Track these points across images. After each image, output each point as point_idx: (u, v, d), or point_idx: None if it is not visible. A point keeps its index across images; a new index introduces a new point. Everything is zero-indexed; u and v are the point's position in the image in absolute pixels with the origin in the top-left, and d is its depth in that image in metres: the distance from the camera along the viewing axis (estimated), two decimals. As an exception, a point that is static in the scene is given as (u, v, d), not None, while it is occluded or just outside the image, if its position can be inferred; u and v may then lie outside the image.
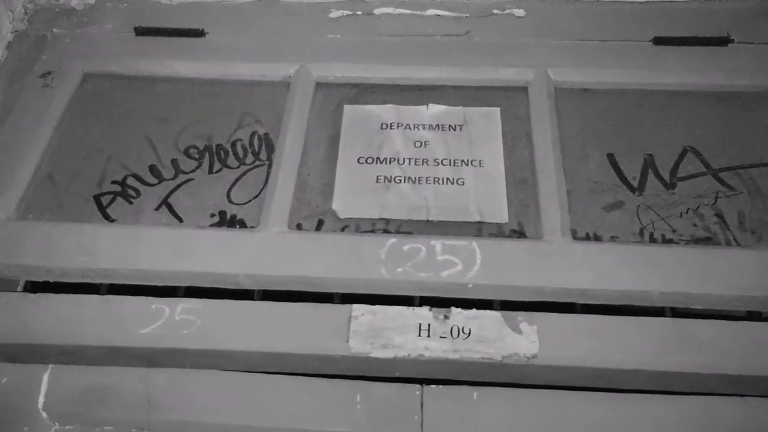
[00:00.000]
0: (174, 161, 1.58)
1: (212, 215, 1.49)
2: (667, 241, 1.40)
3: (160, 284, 1.40)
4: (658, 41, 1.70)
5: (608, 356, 1.29)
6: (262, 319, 1.35)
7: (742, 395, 1.34)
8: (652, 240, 1.40)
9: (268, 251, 1.39)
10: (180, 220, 1.48)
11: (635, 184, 1.48)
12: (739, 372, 1.27)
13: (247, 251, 1.40)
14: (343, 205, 1.49)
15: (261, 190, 1.51)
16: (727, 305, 1.32)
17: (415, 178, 1.52)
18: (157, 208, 1.50)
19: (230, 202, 1.50)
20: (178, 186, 1.53)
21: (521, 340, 1.31)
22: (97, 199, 1.53)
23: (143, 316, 1.35)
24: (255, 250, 1.40)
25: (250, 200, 1.50)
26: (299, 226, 1.46)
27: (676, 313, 1.36)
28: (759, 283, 1.30)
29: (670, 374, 1.28)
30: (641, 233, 1.41)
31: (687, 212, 1.43)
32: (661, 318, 1.33)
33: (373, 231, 1.45)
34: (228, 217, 1.48)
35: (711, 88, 1.63)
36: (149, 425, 1.34)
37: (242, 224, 1.47)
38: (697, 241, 1.40)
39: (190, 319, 1.35)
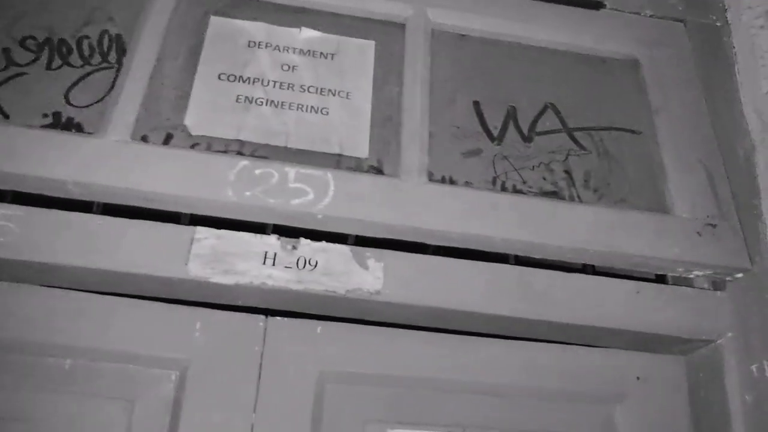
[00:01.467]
0: (6, 51, 1.40)
1: (45, 115, 1.34)
2: (517, 191, 1.44)
3: (-26, 185, 1.25)
4: (537, -4, 1.72)
5: (448, 297, 1.32)
6: (95, 234, 1.25)
7: (567, 343, 1.43)
8: (504, 189, 1.44)
9: (105, 160, 1.28)
10: (6, 116, 1.32)
11: (495, 133, 1.51)
12: (566, 321, 1.35)
13: (81, 158, 1.27)
14: (197, 121, 1.39)
15: (106, 95, 1.37)
16: (564, 257, 1.39)
17: (278, 102, 1.45)
18: (-21, 101, 1.33)
19: (68, 103, 1.35)
20: (9, 79, 1.36)
21: (367, 276, 1.30)
22: None
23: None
24: (89, 157, 1.27)
25: (92, 104, 1.36)
26: (144, 138, 1.35)
27: (520, 261, 1.42)
28: (595, 238, 1.37)
29: (503, 318, 1.34)
30: (494, 181, 1.44)
31: (539, 166, 1.47)
32: (502, 264, 1.38)
33: (225, 152, 1.37)
34: (64, 119, 1.34)
35: (579, 49, 1.67)
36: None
37: (79, 128, 1.33)
38: (544, 194, 1.45)
39: (9, 227, 1.22)
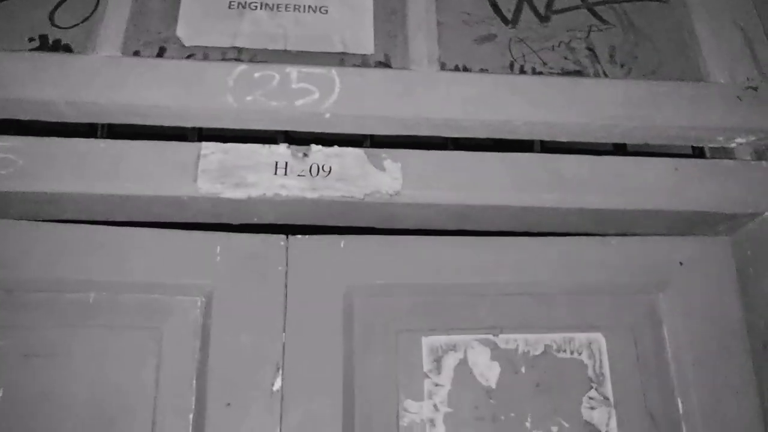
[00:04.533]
0: (-15, -23, 1.33)
1: (31, 39, 1.27)
2: (537, 74, 1.35)
3: (-34, 115, 1.20)
4: None
5: (472, 193, 1.25)
6: (97, 158, 1.20)
7: (603, 234, 1.36)
8: (522, 72, 1.34)
9: (96, 77, 1.22)
10: (-10, 43, 1.26)
11: (509, 16, 1.40)
12: (600, 206, 1.27)
13: (71, 77, 1.21)
14: (190, 31, 1.32)
15: (91, 13, 1.30)
16: (592, 136, 1.30)
17: (273, 4, 1.36)
18: (-40, 30, 1.27)
19: (53, 25, 1.29)
20: (-10, 6, 1.30)
21: (384, 178, 1.24)
22: None
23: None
24: (80, 75, 1.22)
25: (78, 24, 1.29)
26: (137, 53, 1.28)
27: (546, 148, 1.34)
28: (625, 113, 1.28)
29: (532, 210, 1.27)
30: (511, 66, 1.35)
31: (559, 45, 1.37)
32: (526, 153, 1.30)
33: (223, 60, 1.29)
34: (50, 42, 1.27)
35: None
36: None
37: (67, 49, 1.27)
38: (566, 73, 1.35)
39: (10, 158, 1.18)
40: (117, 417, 1.18)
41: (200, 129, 1.30)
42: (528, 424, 1.25)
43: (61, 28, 1.28)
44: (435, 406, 1.25)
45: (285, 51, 1.32)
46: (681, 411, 1.27)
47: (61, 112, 1.20)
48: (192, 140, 1.28)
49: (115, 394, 1.19)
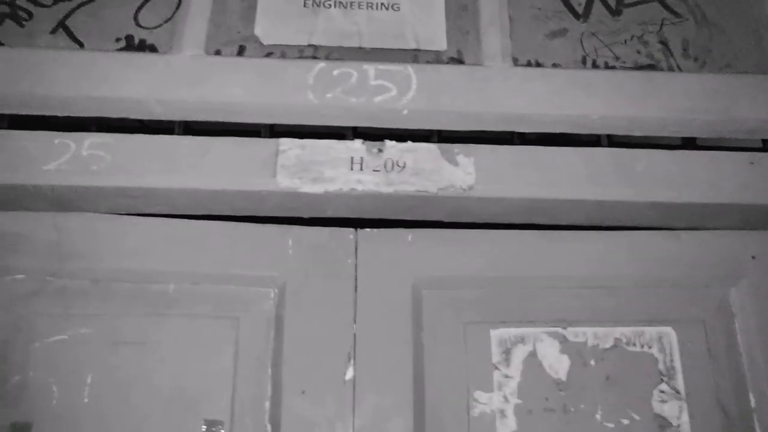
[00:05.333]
0: (71, -21, 1.39)
1: (118, 39, 1.33)
2: (609, 68, 1.35)
3: (61, 114, 1.26)
4: None
5: (544, 187, 1.27)
6: (181, 155, 1.25)
7: (674, 228, 1.36)
8: (595, 66, 1.35)
9: (183, 76, 1.27)
10: (81, 44, 1.32)
11: (580, 10, 1.40)
12: (673, 201, 1.28)
13: (160, 76, 1.26)
14: (267, 30, 1.35)
15: (174, 13, 1.35)
16: (665, 130, 1.30)
17: (346, 2, 1.39)
18: (52, 32, 1.32)
19: (138, 25, 1.34)
20: (77, 7, 1.35)
21: (457, 172, 1.26)
22: (-19, 21, 1.34)
23: (46, 151, 1.23)
24: (168, 75, 1.27)
25: (161, 24, 1.34)
26: (218, 52, 1.32)
27: (613, 143, 1.34)
28: (699, 107, 1.28)
29: (605, 204, 1.28)
30: (584, 61, 1.35)
31: (631, 39, 1.37)
32: (598, 148, 1.31)
33: (300, 58, 1.33)
34: (136, 41, 1.33)
35: None
36: (63, 272, 1.25)
37: (153, 49, 1.32)
38: (640, 67, 1.35)
39: (100, 155, 1.23)
40: (199, 403, 1.23)
41: (271, 125, 1.34)
42: (598, 417, 1.26)
43: (145, 28, 1.33)
44: (505, 397, 1.27)
45: (360, 48, 1.35)
46: (753, 405, 1.26)
47: (152, 110, 1.25)
48: (265, 136, 1.32)
49: (197, 380, 1.24)
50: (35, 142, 1.24)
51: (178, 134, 1.30)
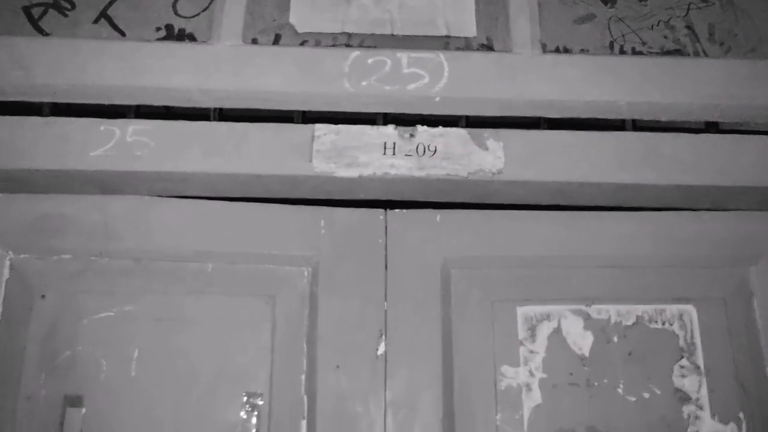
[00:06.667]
0: (111, -31, 1.42)
1: (158, 29, 1.36)
2: (636, 53, 1.37)
3: (106, 102, 1.31)
4: None
5: (571, 170, 1.30)
6: (220, 140, 1.30)
7: (697, 209, 1.39)
8: (622, 52, 1.37)
9: (223, 65, 1.30)
10: (122, 33, 1.36)
11: (607, -5, 1.42)
12: (695, 182, 1.31)
13: (201, 65, 1.30)
14: (302, 18, 1.38)
15: (210, 3, 1.38)
16: (691, 115, 1.33)
17: (377, -10, 1.42)
18: (95, 21, 1.36)
19: (177, 14, 1.37)
20: (118, -4, 1.39)
21: (487, 157, 1.30)
22: (26, 11, 1.37)
23: (92, 138, 1.28)
24: (208, 63, 1.30)
25: (199, 13, 1.37)
26: (255, 41, 1.36)
27: (637, 127, 1.37)
28: (725, 92, 1.31)
29: (630, 186, 1.32)
30: (611, 46, 1.38)
31: (658, 24, 1.39)
32: (625, 132, 1.34)
33: (334, 46, 1.36)
34: (176, 30, 1.36)
35: None
36: (107, 253, 1.31)
37: (192, 39, 1.35)
38: (666, 53, 1.37)
39: (143, 141, 1.28)
40: (238, 376, 1.29)
41: (304, 111, 1.37)
42: (620, 390, 1.31)
43: (183, 17, 1.37)
44: (530, 372, 1.33)
45: (392, 35, 1.38)
46: (774, 383, 1.31)
47: (193, 98, 1.30)
48: (297, 122, 1.36)
49: (236, 355, 1.30)
50: (81, 129, 1.28)
51: (214, 120, 1.33)
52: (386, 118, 1.34)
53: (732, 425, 1.30)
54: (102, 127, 1.28)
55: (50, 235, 1.31)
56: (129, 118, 1.32)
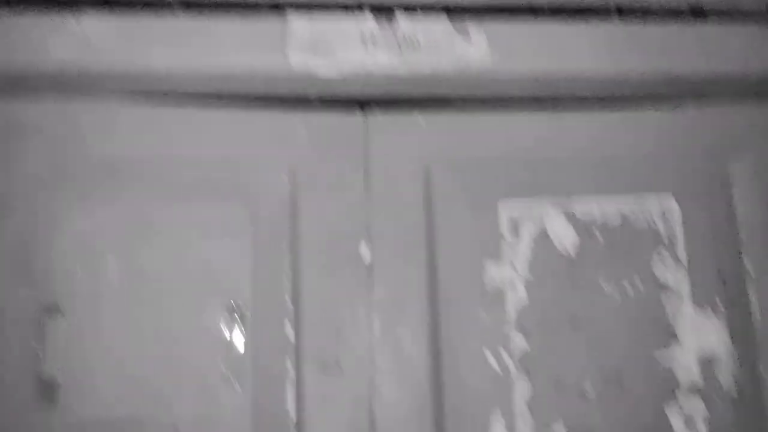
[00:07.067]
0: None
1: None
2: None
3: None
4: None
5: (557, 62, 1.27)
6: (185, 35, 1.21)
7: (678, 102, 1.38)
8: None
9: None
10: None
11: None
12: (680, 72, 1.29)
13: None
14: None
15: None
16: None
17: None
18: None
19: None
20: None
21: (471, 49, 1.24)
22: None
23: (47, 33, 1.18)
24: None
25: None
26: None
27: (621, 12, 1.31)
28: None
29: (616, 77, 1.29)
30: (601, -73, 1.30)
31: None
32: (611, 23, 1.30)
33: None
34: None
35: None
36: (77, 160, 1.25)
37: None
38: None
39: (104, 37, 1.19)
40: (220, 282, 1.26)
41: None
42: (603, 284, 1.32)
43: None
44: (515, 268, 1.32)
45: None
46: (752, 275, 1.33)
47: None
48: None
49: (217, 262, 1.27)
50: (35, 23, 1.19)
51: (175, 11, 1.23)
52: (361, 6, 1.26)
53: (709, 312, 1.33)
54: (56, 21, 1.18)
55: (15, 144, 1.23)
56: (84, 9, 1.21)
